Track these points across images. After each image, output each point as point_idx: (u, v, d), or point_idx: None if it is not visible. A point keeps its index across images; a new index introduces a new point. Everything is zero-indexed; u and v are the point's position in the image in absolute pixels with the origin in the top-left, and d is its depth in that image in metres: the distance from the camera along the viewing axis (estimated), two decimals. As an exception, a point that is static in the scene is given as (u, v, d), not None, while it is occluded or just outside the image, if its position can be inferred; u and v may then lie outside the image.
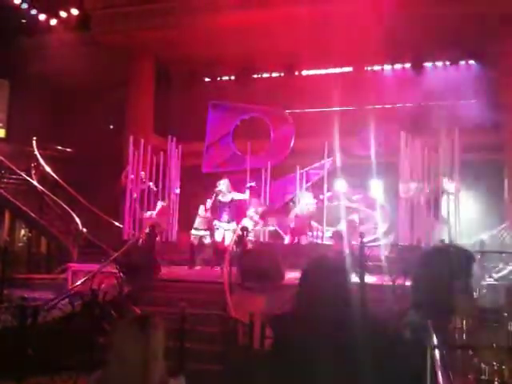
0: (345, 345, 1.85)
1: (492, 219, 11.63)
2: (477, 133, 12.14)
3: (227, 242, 9.67)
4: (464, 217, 10.57)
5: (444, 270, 2.41)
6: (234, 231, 9.79)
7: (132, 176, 11.92)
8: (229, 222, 9.95)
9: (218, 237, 9.95)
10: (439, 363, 1.72)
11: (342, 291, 2.00)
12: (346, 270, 2.15)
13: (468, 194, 12.21)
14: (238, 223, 10.36)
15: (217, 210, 10.10)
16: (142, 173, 12.03)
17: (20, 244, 14.95)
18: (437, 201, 10.45)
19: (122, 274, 8.76)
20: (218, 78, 16.08)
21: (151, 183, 12.07)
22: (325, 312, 1.93)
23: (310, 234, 11.61)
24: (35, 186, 13.23)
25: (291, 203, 12.57)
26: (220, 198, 9.95)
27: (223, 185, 10.02)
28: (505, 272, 8.77)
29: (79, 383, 5.86)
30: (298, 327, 1.98)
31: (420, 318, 2.35)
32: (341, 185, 12.44)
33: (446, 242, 9.60)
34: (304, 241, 11.20)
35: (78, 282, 8.61)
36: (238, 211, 11.29)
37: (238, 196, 10.29)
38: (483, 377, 1.47)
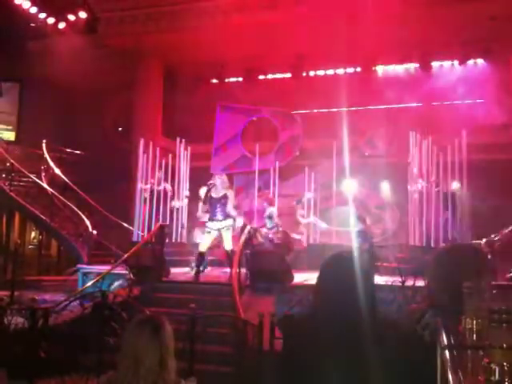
0: (359, 346, 1.83)
1: (502, 219, 11.54)
2: (487, 132, 12.08)
3: (226, 240, 9.09)
4: (474, 216, 10.52)
5: (457, 270, 2.38)
6: (232, 228, 9.29)
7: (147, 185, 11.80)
8: (224, 219, 9.11)
9: (205, 241, 9.22)
10: (449, 363, 1.71)
11: (364, 292, 1.96)
12: (368, 269, 2.10)
13: (478, 193, 12.13)
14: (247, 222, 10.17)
15: (210, 206, 9.29)
16: (159, 174, 11.93)
17: (30, 246, 15.07)
18: (447, 201, 10.41)
19: (131, 276, 8.80)
20: (226, 80, 16.09)
21: (167, 185, 11.93)
22: (346, 312, 1.91)
23: None
24: (45, 189, 13.30)
25: (298, 204, 12.53)
26: (212, 193, 9.17)
27: (218, 179, 9.25)
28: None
29: (90, 384, 5.89)
30: (314, 327, 1.96)
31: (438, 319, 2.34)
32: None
33: (458, 241, 9.58)
34: None
35: (88, 284, 8.66)
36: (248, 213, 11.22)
37: (231, 194, 9.37)
38: (493, 377, 1.47)
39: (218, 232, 9.18)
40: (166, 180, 12.04)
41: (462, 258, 2.62)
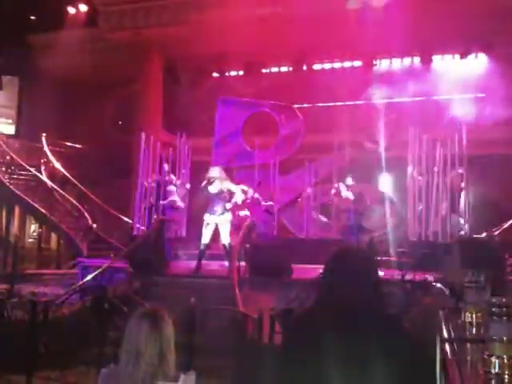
0: (362, 342, 1.82)
1: (503, 213, 11.54)
2: (488, 127, 12.05)
3: (223, 235, 9.10)
4: (475, 211, 10.51)
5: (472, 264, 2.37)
6: (231, 222, 9.30)
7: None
8: (222, 214, 9.11)
9: (206, 233, 9.12)
10: (450, 356, 1.72)
11: (371, 288, 1.95)
12: (375, 263, 2.09)
13: (479, 188, 12.12)
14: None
15: (208, 200, 9.24)
16: (166, 165, 11.92)
17: (30, 240, 15.09)
18: (446, 195, 10.40)
19: (131, 269, 8.81)
20: (227, 74, 16.05)
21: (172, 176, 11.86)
22: (350, 308, 1.89)
23: None
24: (45, 182, 13.31)
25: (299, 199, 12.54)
26: (211, 188, 9.09)
27: (215, 172, 9.23)
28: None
29: (89, 377, 5.90)
30: (315, 322, 1.95)
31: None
32: None
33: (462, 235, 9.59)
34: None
35: (88, 277, 8.67)
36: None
37: (230, 186, 9.26)
38: (493, 370, 1.47)
39: (215, 225, 9.17)
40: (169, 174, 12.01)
41: (478, 252, 2.61)
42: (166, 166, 11.93)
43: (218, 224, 9.13)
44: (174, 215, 11.41)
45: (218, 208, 9.08)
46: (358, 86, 13.78)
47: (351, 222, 10.43)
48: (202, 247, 9.20)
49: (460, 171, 10.22)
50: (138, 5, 13.96)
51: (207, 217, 9.19)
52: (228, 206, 9.20)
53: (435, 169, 10.54)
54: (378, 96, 13.59)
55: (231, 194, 9.26)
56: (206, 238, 9.16)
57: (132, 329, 2.24)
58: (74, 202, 13.01)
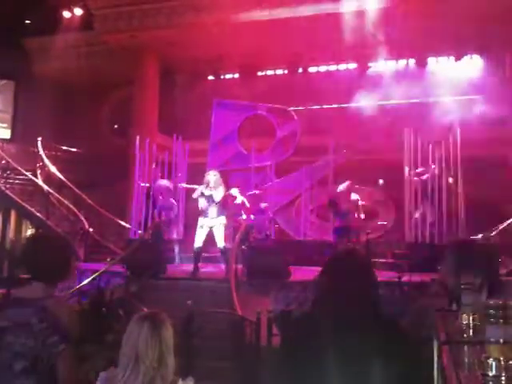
0: (359, 344, 1.84)
1: (499, 215, 11.58)
2: (483, 129, 12.09)
3: (218, 238, 9.07)
4: (469, 212, 10.55)
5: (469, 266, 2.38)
6: (224, 226, 9.27)
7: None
8: (217, 217, 9.07)
9: (199, 236, 9.10)
10: (447, 359, 1.73)
11: (368, 290, 1.97)
12: (372, 265, 2.12)
13: (473, 189, 12.16)
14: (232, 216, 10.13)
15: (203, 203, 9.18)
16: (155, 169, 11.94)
17: (27, 244, 15.04)
18: (441, 196, 10.44)
19: (128, 273, 8.80)
20: (222, 76, 16.06)
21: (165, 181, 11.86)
22: (348, 310, 1.91)
23: None
24: (41, 187, 13.27)
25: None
26: (205, 191, 9.04)
27: (213, 176, 9.13)
28: None
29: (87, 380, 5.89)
30: (313, 325, 1.96)
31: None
32: None
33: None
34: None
35: (85, 282, 8.65)
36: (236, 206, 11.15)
37: (218, 195, 9.08)
38: (490, 373, 1.49)
39: (209, 228, 9.15)
40: (162, 177, 12.00)
41: (475, 254, 2.61)
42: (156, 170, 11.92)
43: (212, 227, 9.12)
44: (170, 217, 11.40)
45: (211, 211, 9.06)
46: (353, 89, 13.80)
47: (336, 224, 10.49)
48: (195, 250, 9.18)
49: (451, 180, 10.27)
50: (133, 8, 13.95)
51: (201, 220, 9.17)
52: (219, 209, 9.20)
53: (431, 169, 10.59)
54: (374, 98, 13.62)
55: (226, 197, 9.28)
56: (199, 240, 9.15)
57: (132, 332, 2.25)
58: (71, 206, 12.97)
